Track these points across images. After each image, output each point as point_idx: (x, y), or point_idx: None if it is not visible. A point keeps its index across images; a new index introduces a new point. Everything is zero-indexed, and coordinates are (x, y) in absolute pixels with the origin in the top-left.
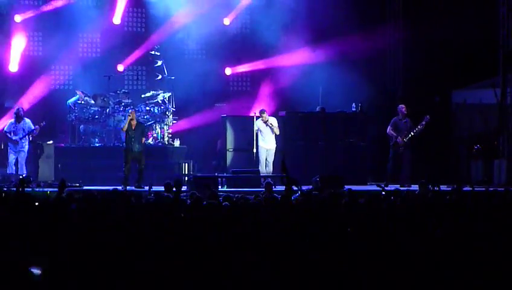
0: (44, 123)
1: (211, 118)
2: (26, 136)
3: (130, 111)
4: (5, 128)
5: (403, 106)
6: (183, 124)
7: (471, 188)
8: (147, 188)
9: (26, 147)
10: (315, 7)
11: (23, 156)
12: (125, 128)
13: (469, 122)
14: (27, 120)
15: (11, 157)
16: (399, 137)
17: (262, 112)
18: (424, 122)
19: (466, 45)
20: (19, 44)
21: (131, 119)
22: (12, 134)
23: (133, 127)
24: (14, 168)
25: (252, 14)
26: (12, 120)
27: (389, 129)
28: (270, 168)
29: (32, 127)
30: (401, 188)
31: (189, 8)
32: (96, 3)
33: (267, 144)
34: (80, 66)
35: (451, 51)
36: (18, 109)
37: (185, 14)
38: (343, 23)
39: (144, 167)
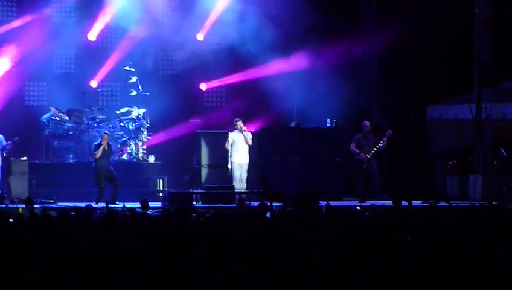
0: (17, 138)
1: (185, 134)
2: None
3: (103, 136)
4: None
5: (367, 122)
6: (158, 139)
7: (446, 204)
8: (120, 204)
9: None
10: (289, 18)
11: None
12: (98, 156)
13: (444, 137)
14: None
15: None
16: (362, 153)
17: (237, 120)
18: (385, 138)
19: (441, 60)
20: None
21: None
22: None
23: (105, 148)
24: None
25: (225, 28)
26: None
27: (352, 146)
28: (244, 184)
29: (5, 143)
30: (377, 203)
31: (162, 25)
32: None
33: (240, 158)
34: (54, 81)
35: (427, 66)
36: None
37: (156, 30)
38: (318, 33)
39: (117, 185)
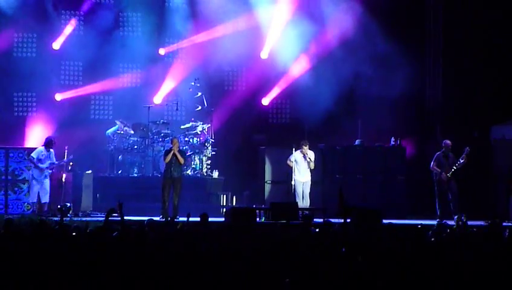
0: (71, 157)
1: (249, 150)
2: (50, 169)
3: (173, 140)
4: (32, 154)
5: (449, 141)
6: (222, 155)
7: (510, 223)
8: (181, 219)
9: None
10: (352, 36)
11: (47, 184)
12: (168, 160)
13: (508, 157)
14: (52, 151)
15: (35, 186)
16: (443, 173)
17: (304, 143)
18: (464, 155)
19: (504, 80)
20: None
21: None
22: (38, 162)
23: (176, 153)
24: (36, 196)
25: (287, 45)
26: (42, 148)
27: (432, 165)
28: (307, 201)
29: (54, 160)
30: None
31: (228, 42)
32: None
33: (302, 177)
34: (120, 96)
35: (490, 86)
36: (50, 137)
37: (223, 47)
38: (383, 49)
39: (180, 194)
